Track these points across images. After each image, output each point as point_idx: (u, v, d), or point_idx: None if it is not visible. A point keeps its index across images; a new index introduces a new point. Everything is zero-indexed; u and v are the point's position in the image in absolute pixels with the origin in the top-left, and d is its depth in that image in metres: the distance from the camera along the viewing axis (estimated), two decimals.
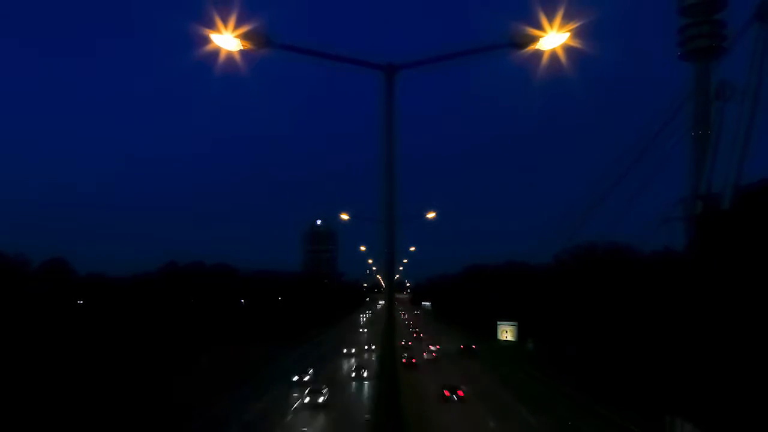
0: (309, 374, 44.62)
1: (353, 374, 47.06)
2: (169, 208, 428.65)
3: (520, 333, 73.20)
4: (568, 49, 8.71)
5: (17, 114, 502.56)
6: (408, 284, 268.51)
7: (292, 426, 31.57)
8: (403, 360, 51.56)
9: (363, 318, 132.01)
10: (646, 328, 34.08)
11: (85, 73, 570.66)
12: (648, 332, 33.75)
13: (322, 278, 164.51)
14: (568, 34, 8.29)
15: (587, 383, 38.95)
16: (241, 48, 8.57)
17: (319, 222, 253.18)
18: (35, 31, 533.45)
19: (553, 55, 8.80)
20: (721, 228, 32.80)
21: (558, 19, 8.14)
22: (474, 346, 63.59)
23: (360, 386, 44.07)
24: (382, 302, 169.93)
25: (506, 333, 77.18)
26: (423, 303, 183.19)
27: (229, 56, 8.84)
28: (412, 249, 59.99)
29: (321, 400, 34.83)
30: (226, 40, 8.35)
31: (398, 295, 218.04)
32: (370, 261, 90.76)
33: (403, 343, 67.37)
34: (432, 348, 62.42)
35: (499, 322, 77.78)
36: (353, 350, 63.59)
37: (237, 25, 8.26)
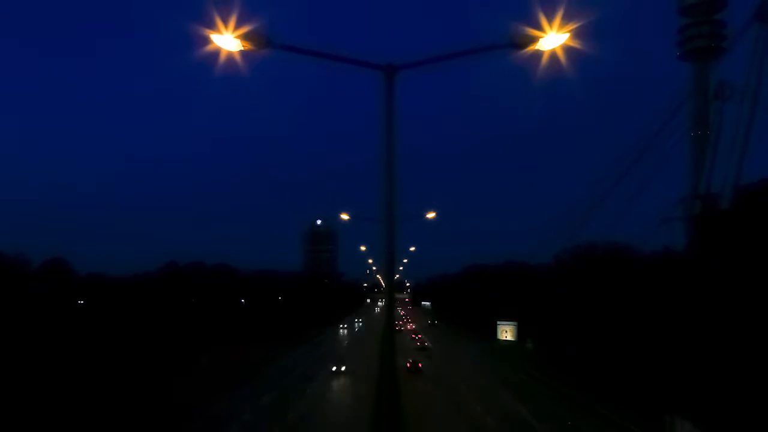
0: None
1: None
2: (169, 208, 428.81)
3: (520, 333, 73.26)
4: (567, 50, 8.74)
5: (17, 114, 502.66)
6: (408, 284, 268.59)
7: None
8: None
9: (352, 327, 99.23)
10: (646, 328, 34.10)
11: (85, 73, 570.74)
12: (648, 332, 33.77)
13: (322, 278, 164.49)
14: (567, 35, 8.31)
15: (587, 383, 38.98)
16: (242, 48, 8.60)
17: (319, 222, 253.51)
18: (35, 31, 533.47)
19: (553, 55, 8.83)
20: (721, 228, 32.82)
21: (558, 20, 8.16)
22: (437, 322, 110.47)
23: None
24: (381, 303, 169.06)
25: (506, 333, 77.23)
26: (423, 303, 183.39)
27: (230, 56, 8.87)
28: (412, 249, 60.08)
29: None
30: (227, 40, 8.37)
31: (398, 295, 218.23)
32: (370, 261, 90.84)
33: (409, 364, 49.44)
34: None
35: (498, 322, 77.83)
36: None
37: (237, 26, 8.29)
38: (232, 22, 8.26)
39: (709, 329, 28.59)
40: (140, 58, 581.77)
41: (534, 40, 8.41)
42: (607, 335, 38.97)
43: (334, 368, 48.60)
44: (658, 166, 64.93)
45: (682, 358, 29.95)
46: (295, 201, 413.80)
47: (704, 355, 28.20)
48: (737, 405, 24.96)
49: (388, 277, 10.91)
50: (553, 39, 8.36)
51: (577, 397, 38.25)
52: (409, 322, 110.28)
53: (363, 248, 63.75)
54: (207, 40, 8.42)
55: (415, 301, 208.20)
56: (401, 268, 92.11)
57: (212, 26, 8.25)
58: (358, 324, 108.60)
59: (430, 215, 29.01)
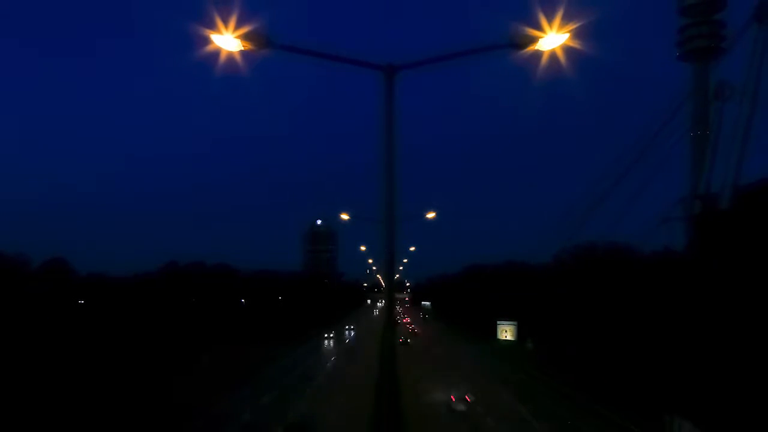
0: None
1: None
2: (169, 208, 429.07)
3: (520, 332, 73.28)
4: (567, 50, 8.75)
5: (18, 114, 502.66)
6: (408, 284, 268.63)
7: None
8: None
9: (339, 339, 76.18)
10: (646, 327, 34.12)
11: (85, 73, 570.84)
12: (647, 332, 33.78)
13: (323, 278, 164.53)
14: (567, 35, 8.33)
15: (587, 383, 38.98)
16: (242, 48, 8.61)
17: (319, 222, 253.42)
18: (35, 31, 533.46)
19: (553, 55, 8.84)
20: (720, 228, 32.84)
21: (557, 20, 8.18)
22: (427, 316, 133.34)
23: None
24: (380, 305, 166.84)
25: (506, 333, 77.25)
26: (423, 303, 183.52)
27: (230, 57, 8.89)
28: (412, 249, 60.09)
29: None
30: (227, 40, 8.39)
31: (398, 295, 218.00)
32: (370, 261, 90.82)
33: None
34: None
35: (498, 322, 77.85)
36: None
37: (237, 26, 8.30)
38: (232, 23, 8.28)
39: (708, 329, 28.61)
40: (140, 58, 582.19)
41: (534, 40, 8.43)
42: (606, 335, 38.99)
43: None
44: (658, 166, 64.92)
45: (682, 358, 29.96)
46: (295, 201, 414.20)
47: (704, 355, 28.22)
48: (737, 405, 24.98)
49: (388, 277, 10.94)
50: (552, 39, 8.38)
51: (576, 396, 38.25)
52: (405, 317, 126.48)
53: (363, 248, 63.79)
54: (207, 41, 8.44)
55: (415, 301, 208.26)
56: (401, 268, 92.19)
57: (212, 26, 8.27)
58: (349, 333, 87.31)
59: (430, 215, 29.04)
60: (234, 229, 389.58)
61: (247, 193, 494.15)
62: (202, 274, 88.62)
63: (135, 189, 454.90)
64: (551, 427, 31.40)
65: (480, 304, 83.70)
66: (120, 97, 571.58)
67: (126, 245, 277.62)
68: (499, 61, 10.13)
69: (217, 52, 8.71)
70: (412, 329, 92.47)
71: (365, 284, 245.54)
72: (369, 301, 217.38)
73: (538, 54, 8.78)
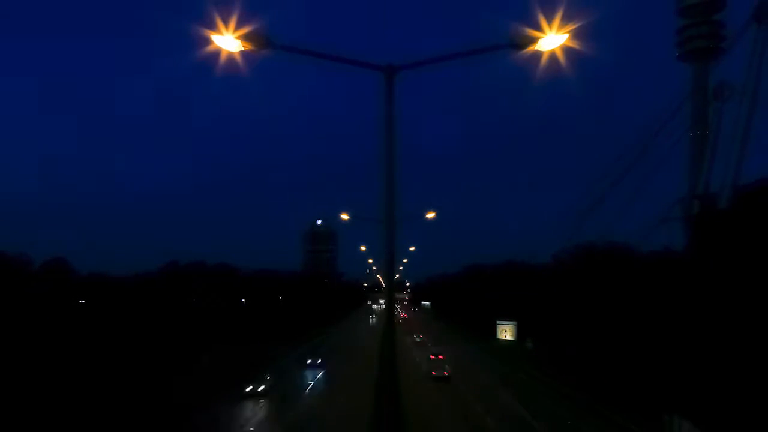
0: None
1: None
2: (169, 207, 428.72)
3: (520, 332, 73.34)
4: (567, 50, 8.79)
5: (18, 113, 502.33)
6: (408, 284, 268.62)
7: None
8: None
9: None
10: (646, 327, 34.16)
11: (85, 73, 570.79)
12: (647, 331, 33.82)
13: (323, 278, 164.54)
14: (567, 35, 8.37)
15: (587, 383, 39.03)
16: (242, 49, 8.65)
17: (319, 222, 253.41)
18: (35, 30, 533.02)
19: (553, 55, 8.88)
20: (719, 228, 32.90)
21: (557, 21, 8.22)
22: (416, 309, 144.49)
23: None
24: (377, 307, 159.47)
25: (505, 332, 77.31)
26: (423, 302, 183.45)
27: (230, 57, 8.92)
28: (412, 249, 60.17)
29: None
30: (227, 41, 8.43)
31: (398, 295, 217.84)
32: (370, 261, 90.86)
33: None
34: None
35: (498, 322, 77.90)
36: None
37: (238, 27, 8.34)
38: (232, 23, 8.32)
39: (708, 329, 28.66)
40: (140, 57, 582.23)
41: (533, 40, 8.47)
42: (606, 335, 39.03)
43: None
44: (658, 166, 65.14)
45: (682, 358, 30.01)
46: (296, 201, 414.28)
47: (703, 355, 28.27)
48: (737, 404, 25.04)
49: (388, 277, 10.96)
50: (552, 40, 8.42)
51: (577, 396, 38.30)
52: (401, 312, 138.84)
53: (363, 248, 63.87)
54: (208, 41, 8.48)
55: (415, 301, 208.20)
56: (401, 268, 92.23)
57: (213, 27, 8.30)
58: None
59: (430, 215, 29.09)
60: (234, 229, 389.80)
61: (248, 192, 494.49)
62: (202, 274, 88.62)
63: (135, 189, 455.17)
64: (551, 427, 31.44)
65: (480, 303, 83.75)
66: (120, 96, 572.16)
67: (126, 245, 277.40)
68: (498, 62, 10.17)
69: (217, 53, 8.75)
70: (403, 319, 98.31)
71: (365, 284, 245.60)
72: (369, 302, 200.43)
73: (537, 54, 8.82)
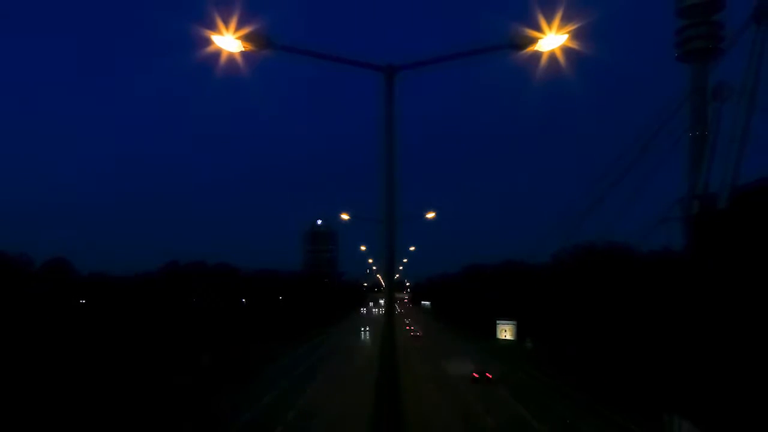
0: None
1: None
2: (170, 207, 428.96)
3: (519, 332, 73.39)
4: (566, 51, 8.83)
5: (19, 114, 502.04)
6: (408, 284, 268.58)
7: None
8: None
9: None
10: (645, 327, 34.20)
11: (85, 73, 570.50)
12: (647, 331, 33.86)
13: (323, 278, 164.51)
14: (566, 36, 8.41)
15: (587, 382, 39.07)
16: (243, 49, 8.68)
17: (319, 222, 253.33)
18: (36, 29, 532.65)
19: (552, 56, 8.92)
20: (718, 227, 32.95)
21: (557, 21, 8.25)
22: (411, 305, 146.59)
23: None
24: (376, 311, 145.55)
25: (505, 332, 77.35)
26: (423, 302, 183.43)
27: (231, 57, 8.95)
28: (412, 249, 60.24)
29: None
30: (228, 41, 8.47)
31: (397, 295, 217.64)
32: (371, 261, 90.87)
33: None
34: None
35: (498, 321, 77.95)
36: None
37: (238, 27, 8.37)
38: (233, 24, 8.35)
39: (707, 328, 28.71)
40: (140, 57, 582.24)
41: (533, 41, 8.51)
42: (606, 335, 39.07)
43: None
44: (657, 166, 65.23)
45: (681, 358, 30.06)
46: (296, 201, 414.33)
47: (703, 355, 28.31)
48: (736, 404, 25.08)
49: (388, 277, 11.00)
50: (552, 40, 8.45)
51: (576, 396, 38.33)
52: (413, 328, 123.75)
53: (363, 248, 63.92)
54: (208, 42, 8.51)
55: (415, 301, 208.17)
56: (401, 267, 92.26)
57: (213, 27, 8.34)
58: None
59: (430, 215, 29.14)
60: (234, 229, 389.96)
61: (248, 192, 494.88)
62: (202, 274, 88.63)
63: (136, 189, 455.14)
64: (551, 427, 31.47)
65: (479, 303, 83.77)
66: (120, 96, 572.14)
67: (127, 245, 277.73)
68: (498, 62, 10.21)
69: (217, 53, 8.79)
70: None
71: (365, 284, 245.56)
72: (371, 304, 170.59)
73: (537, 55, 8.86)
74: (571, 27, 8.31)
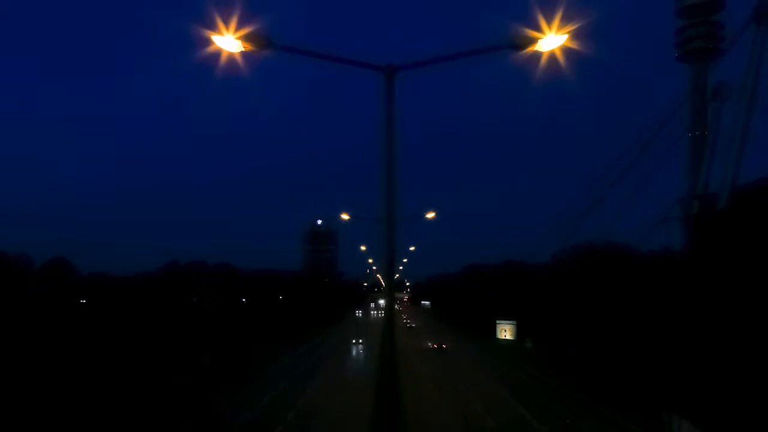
0: None
1: None
2: (170, 207, 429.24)
3: (519, 332, 73.41)
4: (566, 51, 8.84)
5: (19, 113, 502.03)
6: (408, 283, 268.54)
7: None
8: None
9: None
10: (645, 327, 34.21)
11: (85, 73, 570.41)
12: (646, 331, 33.87)
13: (323, 278, 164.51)
14: (566, 36, 8.42)
15: (587, 382, 39.08)
16: (243, 50, 8.69)
17: (319, 222, 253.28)
18: (37, 29, 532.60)
19: (552, 56, 8.93)
20: (718, 227, 32.97)
21: (556, 21, 8.27)
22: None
23: None
24: (374, 314, 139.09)
25: (505, 332, 77.37)
26: (423, 302, 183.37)
27: (231, 57, 8.96)
28: (412, 249, 60.25)
29: None
30: (228, 41, 8.48)
31: (397, 294, 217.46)
32: (371, 261, 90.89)
33: None
34: None
35: (498, 321, 77.95)
36: None
37: (238, 27, 8.38)
38: (233, 24, 8.36)
39: (707, 328, 28.72)
40: (140, 57, 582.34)
41: (533, 41, 8.52)
42: (606, 334, 39.09)
43: None
44: (657, 166, 65.26)
45: (681, 357, 30.07)
46: (296, 201, 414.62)
47: (703, 354, 28.33)
48: (736, 404, 25.10)
49: (388, 277, 11.01)
50: (552, 40, 8.47)
51: (576, 396, 38.34)
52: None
53: (363, 248, 63.92)
54: (208, 42, 8.52)
55: (415, 301, 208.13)
56: (401, 267, 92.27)
57: (213, 28, 8.35)
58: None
59: (430, 215, 29.15)
60: (235, 229, 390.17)
61: (248, 192, 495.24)
62: (202, 274, 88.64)
63: (136, 189, 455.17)
64: (551, 427, 31.47)
65: (479, 303, 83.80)
66: (121, 96, 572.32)
67: (127, 245, 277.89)
68: (498, 62, 10.23)
69: (218, 53, 8.80)
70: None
71: (365, 284, 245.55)
72: (372, 306, 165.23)
73: (537, 55, 8.87)
74: (571, 27, 8.33)
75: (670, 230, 56.19)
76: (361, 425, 29.75)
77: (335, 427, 31.09)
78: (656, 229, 58.17)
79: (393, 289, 11.45)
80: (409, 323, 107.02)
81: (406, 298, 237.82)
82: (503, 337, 77.03)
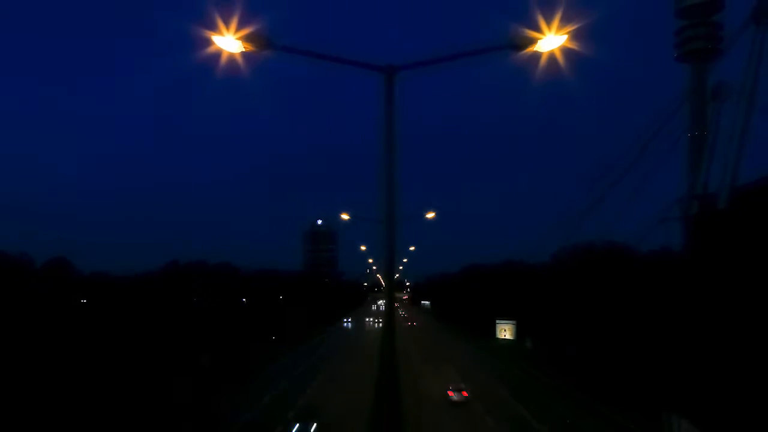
0: None
1: None
2: (170, 207, 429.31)
3: (519, 331, 73.45)
4: (566, 51, 8.87)
5: (20, 113, 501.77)
6: (408, 283, 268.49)
7: None
8: None
9: None
10: (644, 326, 34.25)
11: (86, 73, 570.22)
12: (646, 331, 33.91)
13: (323, 278, 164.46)
14: (566, 36, 8.44)
15: (586, 382, 39.12)
16: (243, 50, 8.71)
17: (319, 222, 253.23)
18: (38, 30, 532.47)
19: (552, 56, 8.95)
20: (717, 227, 33.00)
21: (556, 22, 8.29)
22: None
23: None
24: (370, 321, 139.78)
25: (505, 332, 77.41)
26: (422, 302, 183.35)
27: (231, 58, 8.98)
28: (412, 249, 60.23)
29: None
30: (228, 42, 8.50)
31: (397, 294, 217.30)
32: (371, 260, 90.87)
33: None
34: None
35: (498, 321, 77.99)
36: None
37: (239, 28, 8.40)
38: (233, 24, 8.38)
39: (706, 328, 28.75)
40: (140, 58, 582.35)
41: (533, 41, 8.54)
42: (605, 334, 39.12)
43: None
44: (656, 166, 65.30)
45: (680, 357, 30.11)
46: (296, 201, 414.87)
47: (702, 354, 28.36)
48: (735, 403, 25.14)
49: (388, 277, 11.02)
50: (551, 40, 8.49)
51: (576, 395, 38.39)
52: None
53: (363, 248, 63.92)
54: (209, 42, 8.54)
55: (415, 300, 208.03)
56: (401, 267, 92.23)
57: (214, 28, 8.37)
58: None
59: (430, 215, 29.18)
60: (235, 229, 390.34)
61: (248, 192, 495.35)
62: (203, 274, 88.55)
63: (137, 188, 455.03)
64: (550, 426, 31.52)
65: (479, 303, 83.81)
66: (121, 96, 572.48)
67: (128, 244, 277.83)
68: (498, 63, 10.25)
69: (218, 54, 8.82)
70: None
71: (365, 284, 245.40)
72: (374, 307, 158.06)
73: (537, 55, 8.89)
74: (571, 27, 8.35)
75: (670, 230, 56.27)
76: (361, 425, 29.79)
77: (335, 427, 31.11)
78: (656, 229, 58.23)
79: (393, 289, 11.46)
80: (407, 317, 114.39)
81: (406, 297, 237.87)
82: (503, 337, 77.06)
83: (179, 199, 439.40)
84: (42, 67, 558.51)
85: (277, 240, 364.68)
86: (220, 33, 8.39)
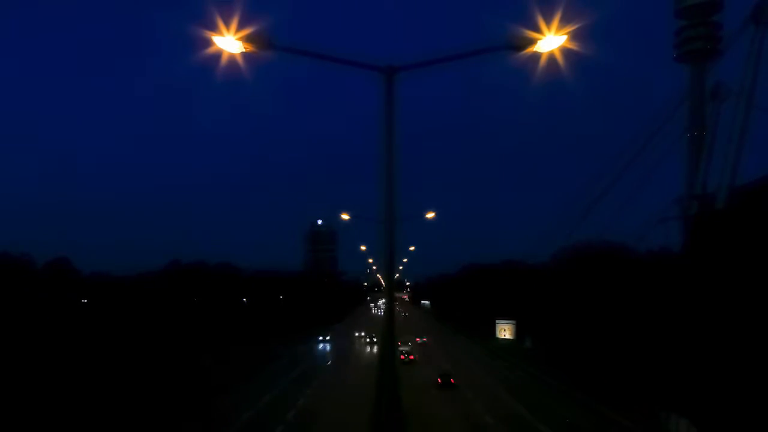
0: None
1: None
2: (172, 207, 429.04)
3: (519, 331, 73.47)
4: (565, 51, 8.90)
5: (20, 113, 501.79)
6: (408, 283, 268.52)
7: None
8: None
9: None
10: (643, 326, 34.30)
11: (86, 73, 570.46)
12: (645, 330, 33.96)
13: (323, 278, 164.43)
14: (565, 37, 8.48)
15: (586, 381, 39.16)
16: (243, 50, 8.73)
17: (320, 222, 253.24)
18: (39, 30, 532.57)
19: (551, 56, 8.98)
20: (716, 227, 33.05)
21: (556, 22, 8.32)
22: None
23: None
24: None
25: (505, 331, 77.42)
26: (422, 302, 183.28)
27: (231, 58, 9.01)
28: (412, 249, 60.22)
29: None
30: (229, 42, 8.53)
31: (397, 294, 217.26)
32: (371, 260, 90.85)
33: None
34: None
35: (497, 321, 78.03)
36: None
37: (239, 28, 8.43)
38: (233, 25, 8.41)
39: (705, 328, 28.80)
40: (141, 58, 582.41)
41: (532, 42, 8.58)
42: (604, 334, 39.18)
43: None
44: (655, 166, 65.33)
45: (679, 356, 30.16)
46: (296, 201, 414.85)
47: (701, 353, 28.41)
48: (734, 403, 25.18)
49: (389, 277, 11.06)
50: (551, 41, 8.52)
51: (575, 394, 38.42)
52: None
53: (363, 248, 63.91)
54: (209, 42, 8.57)
55: (415, 300, 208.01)
56: (401, 267, 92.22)
57: (214, 29, 8.39)
58: None
59: (430, 215, 29.21)
60: (236, 229, 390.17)
61: (249, 192, 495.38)
62: (204, 274, 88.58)
63: (137, 188, 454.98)
64: (550, 425, 31.54)
65: (479, 303, 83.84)
66: (121, 97, 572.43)
67: (129, 244, 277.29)
68: (498, 62, 10.28)
69: (218, 54, 8.84)
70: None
71: (365, 284, 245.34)
72: (373, 307, 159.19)
73: (536, 55, 8.92)
74: (570, 28, 8.38)
75: (669, 230, 56.27)
76: (361, 424, 29.79)
77: (336, 427, 31.11)
78: (655, 229, 58.23)
79: (393, 288, 11.50)
80: (407, 316, 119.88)
81: (406, 297, 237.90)
82: (503, 337, 77.09)
83: (180, 199, 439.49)
84: (42, 67, 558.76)
85: (277, 240, 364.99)
86: (220, 33, 8.42)
